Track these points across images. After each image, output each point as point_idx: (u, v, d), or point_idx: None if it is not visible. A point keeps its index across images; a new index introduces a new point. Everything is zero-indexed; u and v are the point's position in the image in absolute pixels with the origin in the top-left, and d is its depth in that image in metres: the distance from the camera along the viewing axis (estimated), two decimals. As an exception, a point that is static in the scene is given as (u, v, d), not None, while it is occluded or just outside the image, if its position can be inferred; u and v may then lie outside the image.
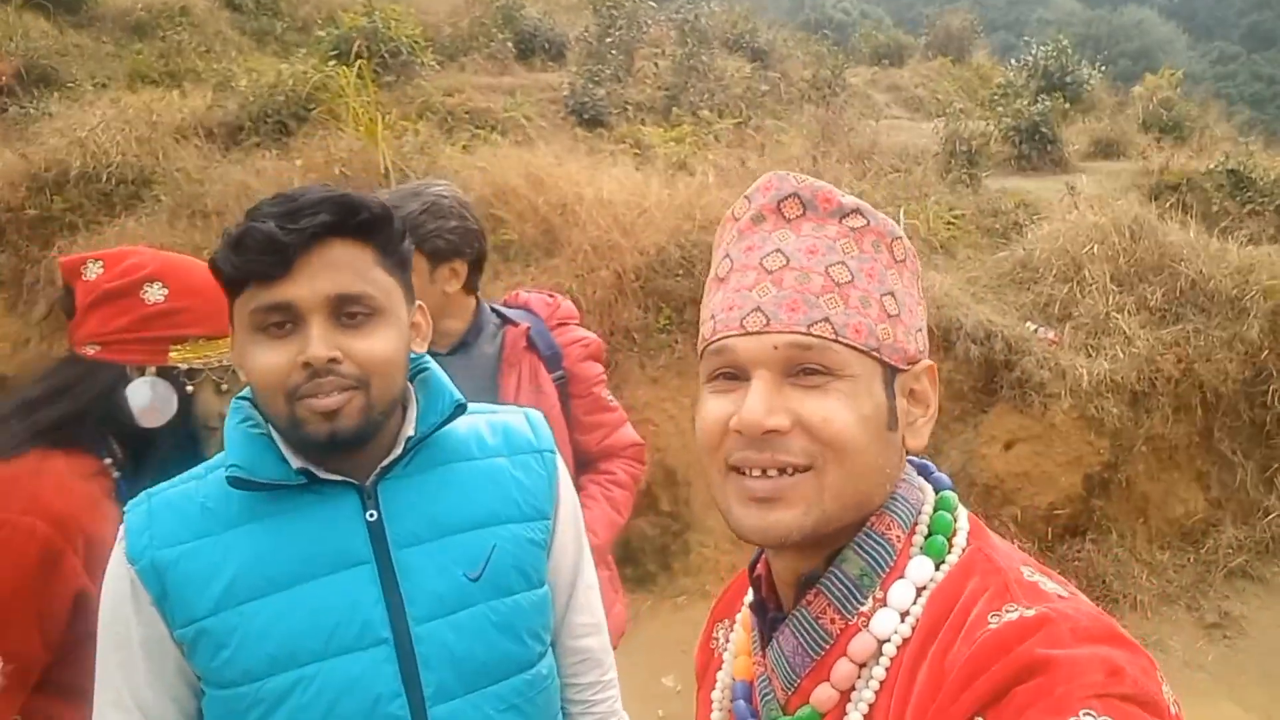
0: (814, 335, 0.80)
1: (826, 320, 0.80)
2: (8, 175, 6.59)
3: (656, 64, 9.86)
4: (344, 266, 1.13)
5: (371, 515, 1.19)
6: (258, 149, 6.74)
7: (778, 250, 0.84)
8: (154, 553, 1.14)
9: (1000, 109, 9.14)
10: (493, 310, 2.19)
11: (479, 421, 1.32)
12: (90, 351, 1.51)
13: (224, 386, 1.60)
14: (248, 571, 1.14)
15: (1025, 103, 8.98)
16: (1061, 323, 5.23)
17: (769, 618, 0.90)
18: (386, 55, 8.27)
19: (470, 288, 2.11)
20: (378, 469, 1.20)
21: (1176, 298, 5.27)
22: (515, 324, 2.14)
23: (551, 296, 2.32)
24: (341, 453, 1.16)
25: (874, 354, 0.82)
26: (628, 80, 9.40)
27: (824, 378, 0.80)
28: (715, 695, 0.98)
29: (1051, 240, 5.68)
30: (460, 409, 1.26)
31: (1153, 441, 4.94)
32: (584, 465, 2.23)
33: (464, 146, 6.84)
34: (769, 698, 0.88)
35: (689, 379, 5.03)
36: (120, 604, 1.15)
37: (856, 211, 0.86)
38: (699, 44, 9.78)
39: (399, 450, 1.21)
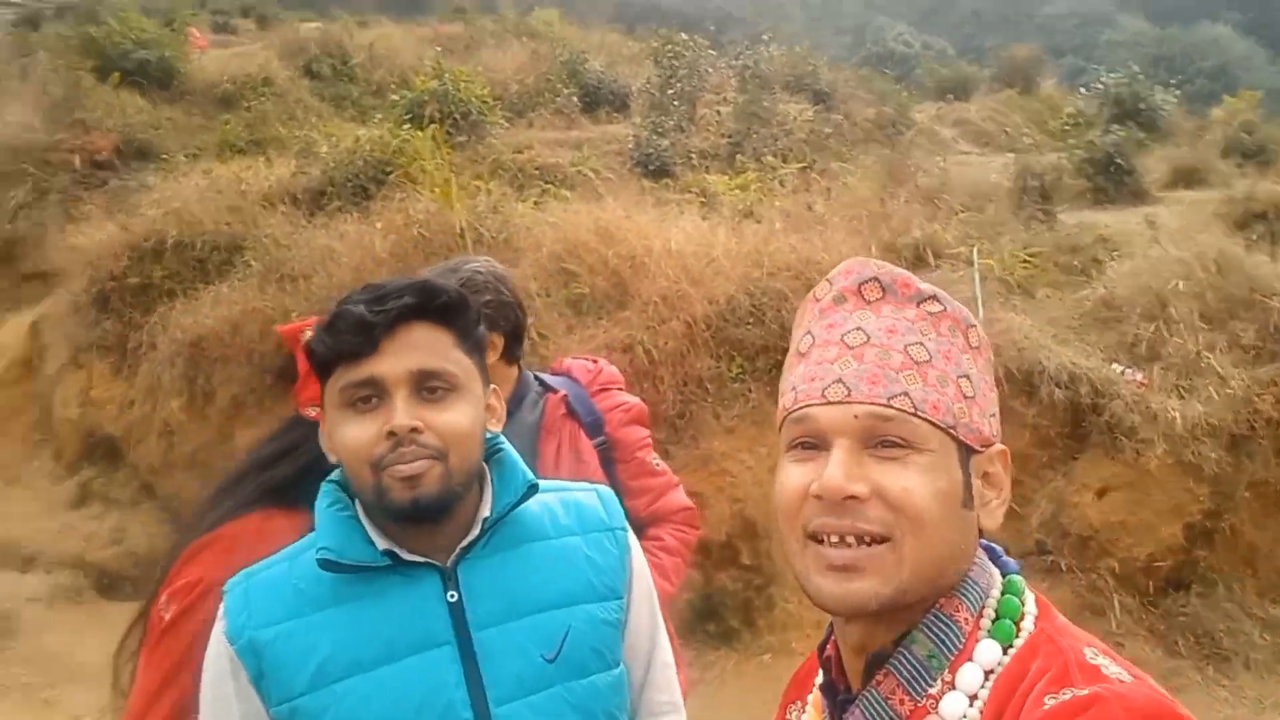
0: (894, 408, 0.83)
1: (906, 394, 0.83)
2: (110, 246, 6.98)
3: (719, 111, 9.98)
4: (425, 345, 1.21)
5: (452, 596, 1.24)
6: (340, 213, 7.01)
7: (859, 328, 0.88)
8: (251, 633, 1.20)
9: (1072, 140, 9.00)
10: (535, 378, 2.23)
11: (552, 500, 1.36)
12: (313, 413, 1.58)
13: None
14: (338, 652, 1.19)
15: (1098, 133, 8.83)
16: (1149, 363, 5.08)
17: (839, 699, 0.91)
18: (458, 116, 8.55)
19: (510, 358, 2.15)
20: (457, 550, 1.25)
21: (1270, 334, 5.07)
22: (555, 391, 2.18)
23: (594, 362, 2.35)
24: (423, 524, 1.22)
25: (951, 431, 0.84)
26: (691, 129, 9.53)
27: (903, 450, 0.82)
28: None
29: (1134, 277, 5.55)
30: (533, 489, 1.31)
31: (1256, 488, 4.70)
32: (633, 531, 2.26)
33: (535, 203, 7.00)
34: None
35: (765, 428, 5.02)
36: (221, 681, 1.21)
37: (934, 298, 0.90)
38: (760, 89, 9.88)
39: (476, 531, 1.26)
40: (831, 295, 0.92)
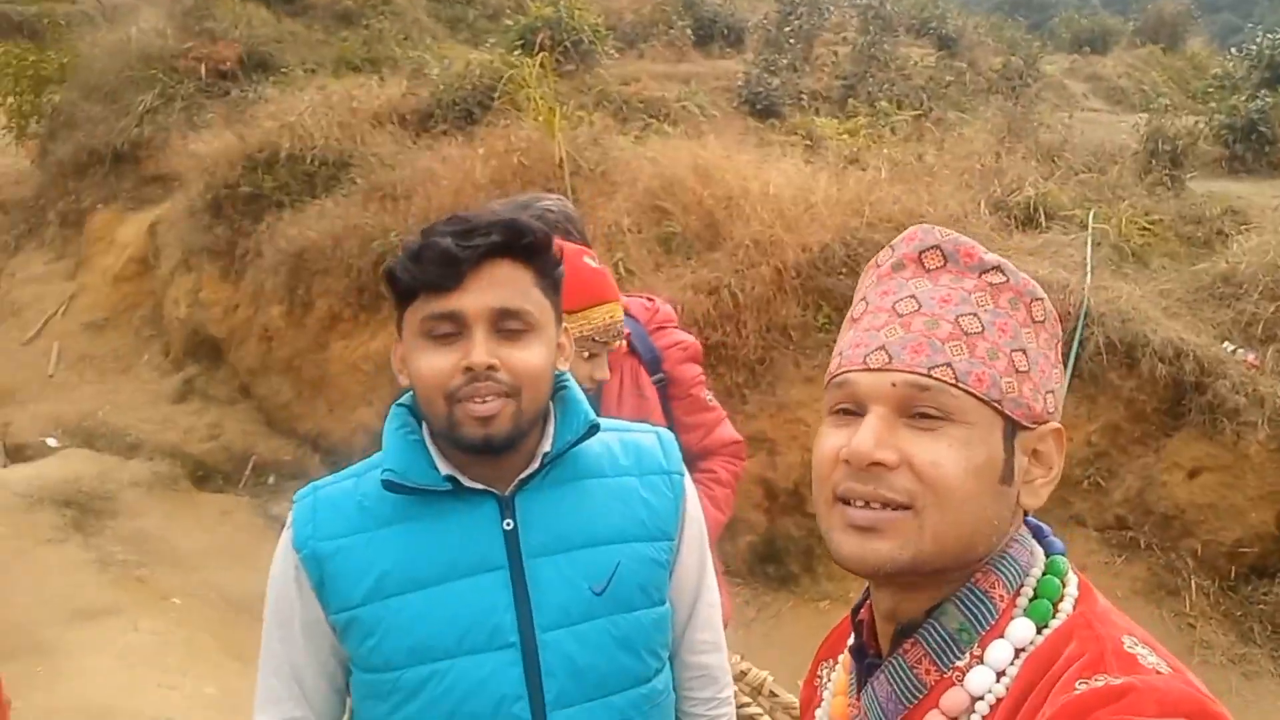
0: (933, 378, 0.82)
1: (949, 365, 0.82)
2: (226, 154, 7.26)
3: (836, 52, 9.66)
4: (507, 283, 1.22)
5: (508, 524, 1.27)
6: (445, 136, 7.10)
7: (912, 296, 0.86)
8: (315, 544, 1.26)
9: (1214, 103, 8.38)
10: None
11: (612, 439, 1.38)
12: None
13: (585, 354, 1.91)
14: (396, 569, 1.24)
15: (1243, 97, 8.18)
16: (1265, 345, 4.77)
17: (866, 662, 0.91)
18: (568, 44, 8.49)
19: None
20: (516, 481, 1.28)
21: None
22: None
23: (650, 300, 2.40)
24: (491, 457, 1.25)
25: (995, 405, 0.82)
26: (804, 69, 9.25)
27: (938, 422, 0.82)
28: None
29: (1260, 253, 5.19)
30: (594, 429, 1.33)
31: (1360, 482, 4.45)
32: (686, 464, 2.30)
33: (636, 137, 6.95)
34: None
35: (846, 381, 4.94)
36: (286, 586, 1.28)
37: (997, 268, 0.87)
38: (882, 30, 9.49)
39: (536, 464, 1.29)
40: (891, 262, 0.90)
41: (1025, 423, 0.84)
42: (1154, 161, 7.03)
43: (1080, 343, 4.82)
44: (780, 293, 5.28)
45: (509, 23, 9.45)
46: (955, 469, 0.81)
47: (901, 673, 0.85)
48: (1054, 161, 7.02)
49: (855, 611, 0.97)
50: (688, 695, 1.44)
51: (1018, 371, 0.83)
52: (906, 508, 0.81)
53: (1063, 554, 0.89)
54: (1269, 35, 9.98)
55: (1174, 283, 5.41)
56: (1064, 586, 0.85)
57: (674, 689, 1.41)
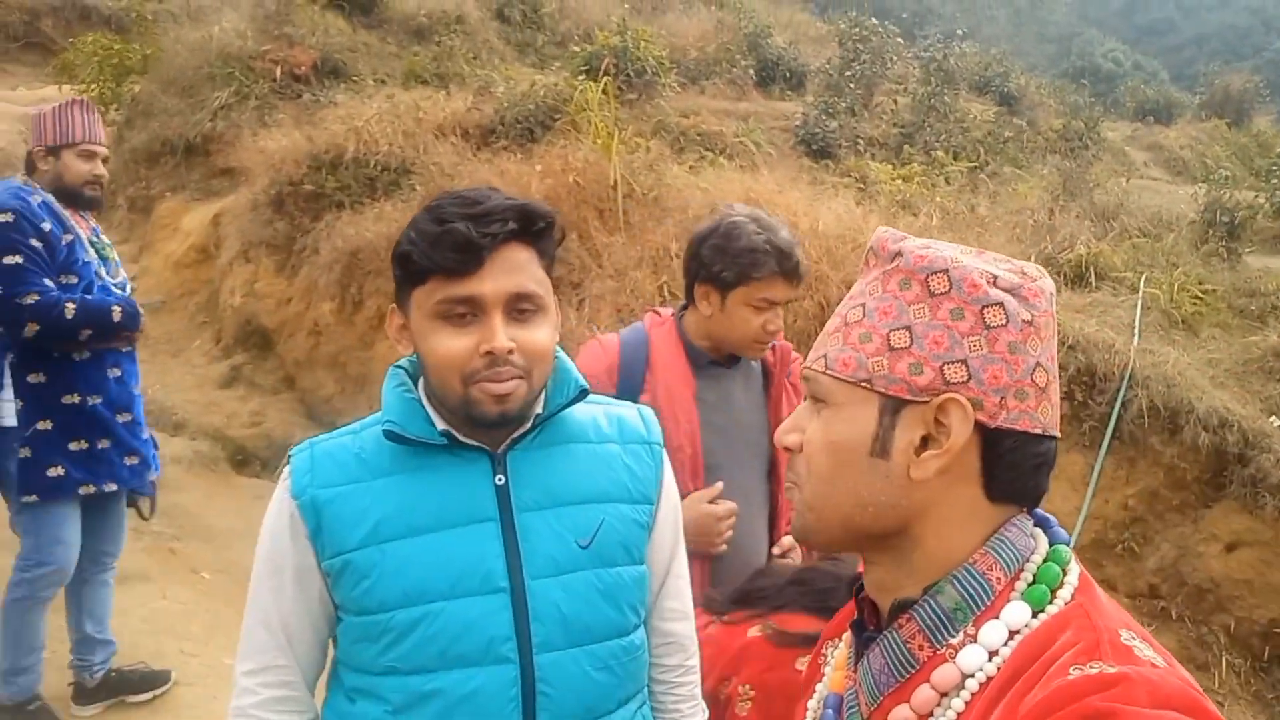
0: (812, 369, 0.91)
1: (824, 356, 0.90)
2: (294, 153, 7.47)
3: (895, 100, 9.71)
4: (520, 267, 1.27)
5: (500, 480, 1.33)
6: (504, 151, 7.26)
7: (847, 298, 0.94)
8: (314, 491, 1.30)
9: (1276, 181, 8.29)
10: None
11: (598, 411, 1.46)
12: None
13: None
14: (392, 515, 1.29)
15: (1308, 176, 8.10)
16: (1312, 422, 4.69)
17: (864, 636, 0.93)
18: (632, 73, 8.65)
19: None
20: (508, 440, 1.35)
21: None
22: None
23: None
24: (498, 427, 1.31)
25: (864, 385, 0.87)
26: (863, 114, 9.31)
27: (822, 405, 0.90)
28: (811, 704, 1.03)
29: (1313, 330, 5.11)
30: (584, 393, 1.40)
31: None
32: None
33: (691, 167, 7.03)
34: (854, 711, 0.92)
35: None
36: (280, 534, 1.32)
37: (899, 253, 0.90)
38: (943, 83, 9.54)
39: (528, 425, 1.35)
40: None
41: (908, 396, 0.85)
42: (1211, 232, 6.98)
43: (1123, 404, 4.77)
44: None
45: (576, 49, 9.65)
46: (815, 445, 0.89)
47: (895, 646, 0.87)
48: (1108, 223, 6.99)
49: (859, 590, 1.00)
50: (656, 662, 1.49)
51: (892, 349, 0.85)
52: (796, 485, 0.91)
53: (1067, 544, 0.89)
54: (1338, 117, 9.86)
55: (1223, 353, 5.35)
56: (1064, 575, 0.86)
57: (647, 651, 1.46)
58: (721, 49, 10.95)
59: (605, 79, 7.77)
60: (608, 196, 6.38)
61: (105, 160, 3.15)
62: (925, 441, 0.85)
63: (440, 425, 1.32)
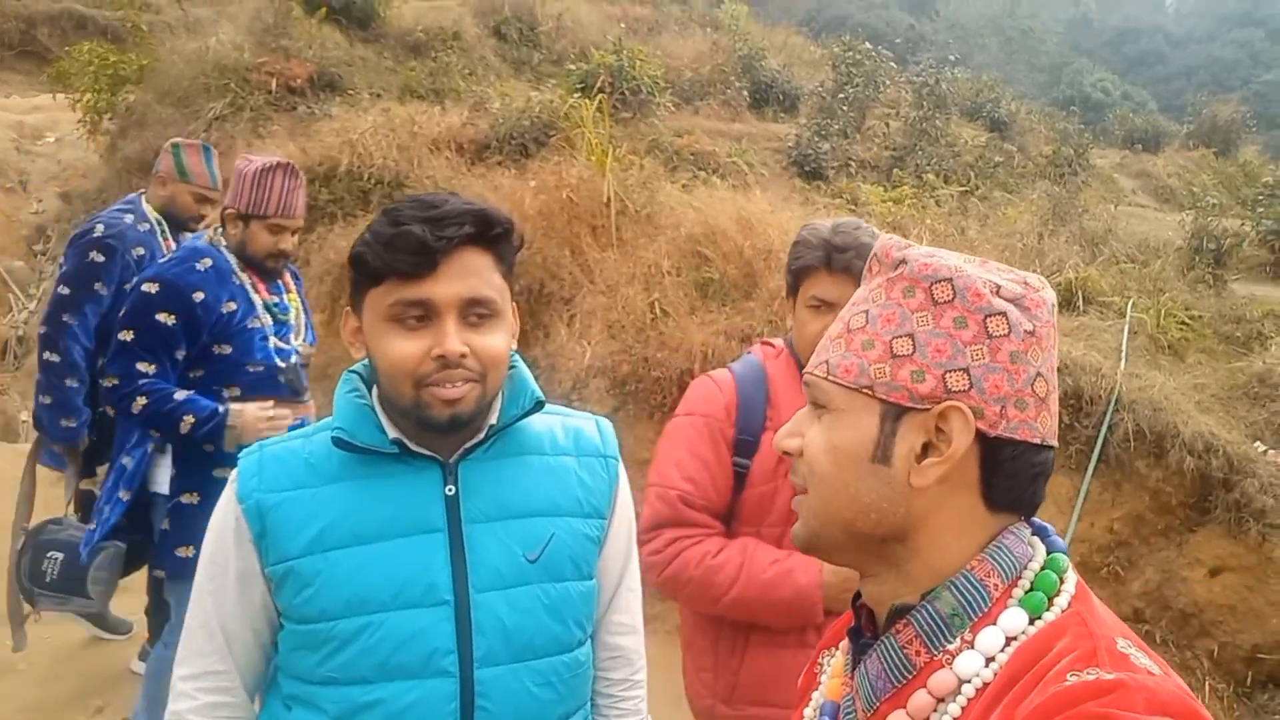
0: (814, 375, 0.92)
1: (826, 362, 0.91)
2: (287, 165, 7.47)
3: (887, 124, 9.79)
4: (475, 272, 1.26)
5: (450, 490, 1.32)
6: (499, 166, 7.29)
7: (850, 304, 0.95)
8: (260, 495, 1.28)
9: (1262, 209, 8.38)
10: None
11: (554, 422, 1.45)
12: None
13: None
14: (338, 523, 1.28)
15: (1294, 206, 8.20)
16: (1297, 447, 4.72)
17: (861, 643, 0.94)
18: (627, 92, 8.71)
19: None
20: (461, 449, 1.33)
21: None
22: None
23: None
24: (449, 433, 1.30)
25: (865, 391, 0.87)
26: (855, 137, 9.39)
27: (823, 411, 0.91)
28: (807, 713, 1.03)
29: (1299, 357, 5.16)
30: (539, 405, 1.39)
31: (1390, 598, 4.35)
32: None
33: (683, 186, 7.08)
34: (851, 717, 0.92)
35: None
36: (224, 537, 1.30)
37: (902, 261, 0.90)
38: (935, 108, 9.63)
39: (481, 435, 1.34)
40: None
41: (909, 404, 0.85)
42: (1197, 258, 7.05)
43: (1109, 427, 4.80)
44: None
45: (571, 67, 9.71)
46: (817, 450, 0.90)
47: (892, 652, 0.87)
48: (1096, 248, 7.05)
49: (856, 597, 1.00)
50: (602, 675, 1.48)
51: (895, 356, 0.86)
52: (805, 490, 0.92)
53: (1065, 553, 0.90)
54: (1323, 149, 9.99)
55: (1209, 378, 5.38)
56: (1062, 583, 0.86)
57: (592, 666, 1.46)
58: (716, 70, 11.03)
59: (600, 96, 7.82)
60: (601, 213, 6.41)
61: (296, 231, 2.96)
62: (926, 449, 0.85)
63: (392, 433, 1.30)
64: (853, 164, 8.75)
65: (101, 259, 3.31)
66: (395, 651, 1.26)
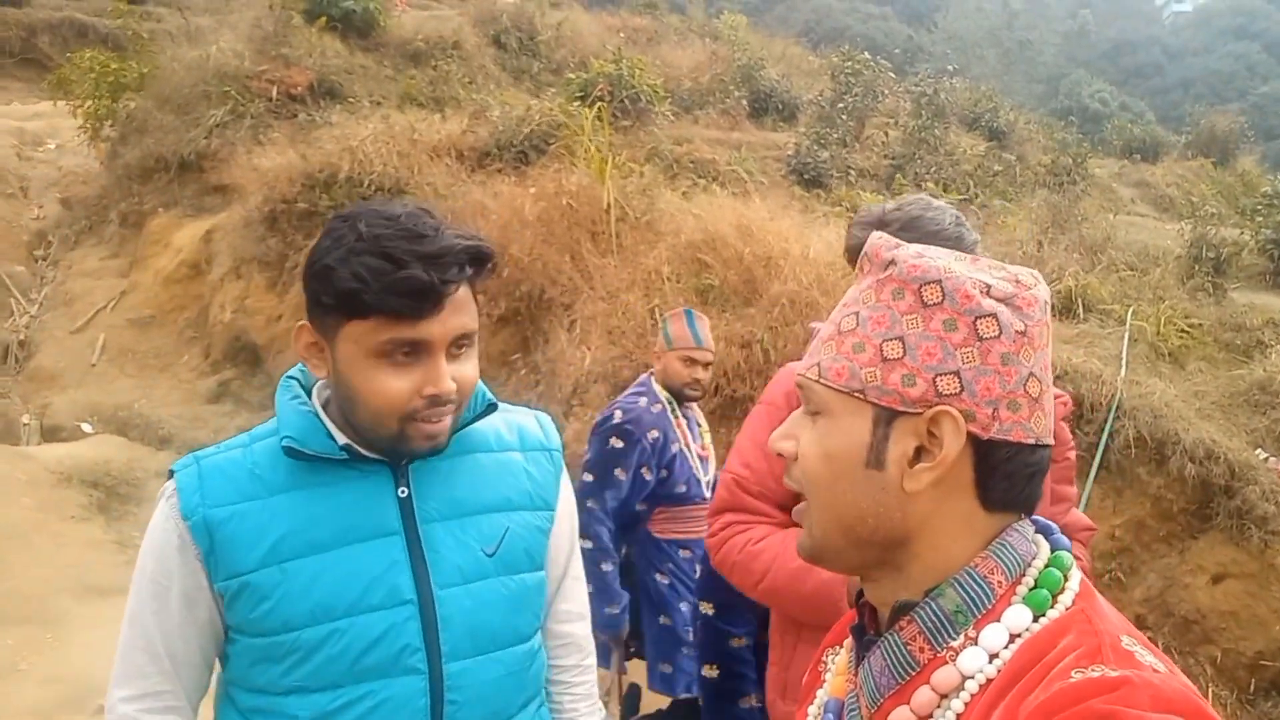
0: (806, 377, 0.90)
1: (818, 365, 0.89)
2: (288, 171, 7.49)
3: (887, 133, 9.82)
4: (464, 307, 1.25)
5: (403, 492, 1.32)
6: (499, 174, 7.30)
7: (841, 304, 0.93)
8: (206, 511, 1.24)
9: (1260, 219, 8.40)
10: None
11: (497, 420, 1.45)
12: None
13: None
14: (293, 533, 1.25)
15: (1292, 215, 8.21)
16: (1298, 454, 4.72)
17: (865, 640, 0.93)
18: (626, 101, 8.73)
19: None
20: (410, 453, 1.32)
21: None
22: None
23: None
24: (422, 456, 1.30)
25: (857, 395, 0.86)
26: (854, 146, 9.42)
27: (818, 415, 0.89)
28: (811, 710, 1.02)
29: (1299, 364, 5.16)
30: (492, 407, 1.39)
31: (1391, 604, 4.34)
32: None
33: (684, 193, 7.09)
34: (854, 715, 0.92)
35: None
36: (167, 556, 1.26)
37: (891, 261, 0.89)
38: (934, 117, 9.66)
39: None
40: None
41: (901, 408, 0.84)
42: (1197, 267, 7.06)
43: (1111, 434, 4.80)
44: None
45: (571, 76, 9.74)
46: (811, 455, 0.88)
47: (896, 648, 0.86)
48: (1096, 256, 7.07)
49: (859, 595, 0.99)
50: (554, 663, 1.50)
51: (885, 360, 0.84)
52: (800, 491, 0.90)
53: (1069, 550, 0.89)
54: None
55: (1209, 385, 5.39)
56: (1066, 581, 0.85)
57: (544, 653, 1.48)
58: (715, 80, 11.07)
59: (600, 104, 7.84)
60: (601, 219, 6.42)
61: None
62: (919, 453, 0.84)
63: (341, 440, 1.28)
64: (852, 173, 8.78)
65: (620, 445, 3.28)
66: (364, 654, 1.27)
